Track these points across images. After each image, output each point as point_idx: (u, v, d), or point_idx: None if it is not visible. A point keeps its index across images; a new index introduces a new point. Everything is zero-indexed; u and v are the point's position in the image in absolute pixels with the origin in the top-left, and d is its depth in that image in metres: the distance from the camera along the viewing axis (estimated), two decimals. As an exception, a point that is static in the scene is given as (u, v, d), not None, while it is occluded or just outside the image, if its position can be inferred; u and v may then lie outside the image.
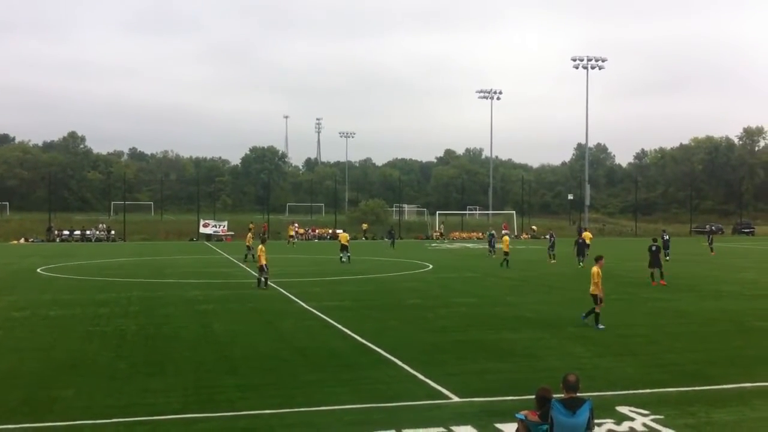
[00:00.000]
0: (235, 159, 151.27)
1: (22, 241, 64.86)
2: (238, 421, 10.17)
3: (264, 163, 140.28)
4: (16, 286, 27.71)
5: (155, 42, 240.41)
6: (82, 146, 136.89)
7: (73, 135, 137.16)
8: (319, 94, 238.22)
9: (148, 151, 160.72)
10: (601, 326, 17.66)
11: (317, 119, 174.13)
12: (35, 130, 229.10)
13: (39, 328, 17.95)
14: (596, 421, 8.61)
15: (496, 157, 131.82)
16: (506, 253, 38.18)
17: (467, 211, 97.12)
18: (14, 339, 16.54)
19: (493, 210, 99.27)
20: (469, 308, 21.56)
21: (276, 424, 10.04)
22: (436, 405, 11.01)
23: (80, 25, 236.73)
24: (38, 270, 34.79)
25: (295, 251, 50.93)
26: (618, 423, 10.09)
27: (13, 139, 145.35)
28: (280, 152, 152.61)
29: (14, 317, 19.78)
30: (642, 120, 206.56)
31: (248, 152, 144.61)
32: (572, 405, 7.50)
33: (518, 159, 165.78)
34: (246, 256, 39.93)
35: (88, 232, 68.51)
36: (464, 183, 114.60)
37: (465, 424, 9.99)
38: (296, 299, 23.41)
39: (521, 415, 8.32)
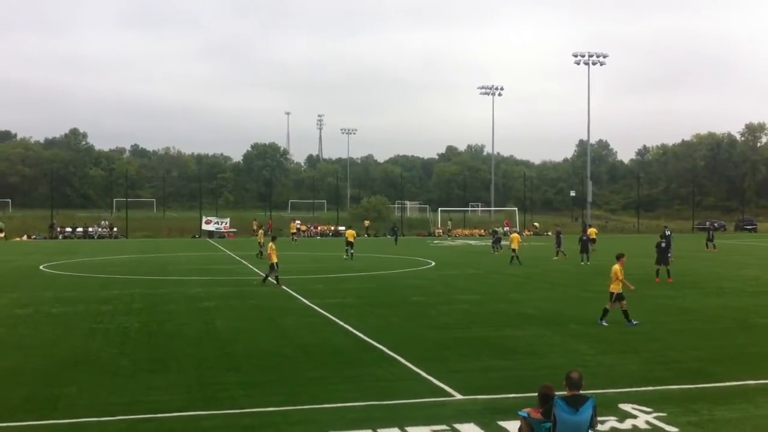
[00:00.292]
0: (236, 156, 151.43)
1: (24, 238, 64.95)
2: (241, 419, 10.18)
3: (266, 159, 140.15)
4: (19, 284, 27.74)
5: (157, 38, 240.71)
6: (84, 143, 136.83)
7: (75, 132, 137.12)
8: (321, 90, 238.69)
9: (149, 148, 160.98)
10: (605, 323, 17.67)
11: (319, 116, 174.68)
12: (37, 126, 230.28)
13: (42, 326, 17.97)
14: (599, 418, 8.64)
15: (498, 153, 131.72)
16: (514, 250, 37.76)
17: (469, 208, 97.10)
18: (17, 336, 16.56)
19: (495, 207, 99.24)
20: (472, 305, 21.57)
21: (279, 422, 10.05)
22: (439, 402, 11.01)
23: (82, 22, 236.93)
24: (41, 267, 34.82)
25: (297, 248, 50.94)
26: (621, 420, 10.08)
27: (15, 135, 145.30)
28: (282, 149, 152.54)
29: (17, 314, 19.80)
30: (644, 116, 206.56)
31: (250, 149, 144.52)
32: (575, 402, 7.51)
33: (520, 155, 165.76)
34: (260, 253, 39.70)
35: (90, 229, 68.54)
36: (466, 179, 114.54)
37: (468, 421, 9.98)
38: (299, 296, 23.43)
39: (524, 412, 8.33)
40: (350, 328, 17.37)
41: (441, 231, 75.94)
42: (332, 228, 74.80)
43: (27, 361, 13.84)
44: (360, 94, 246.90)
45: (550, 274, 31.65)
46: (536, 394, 8.24)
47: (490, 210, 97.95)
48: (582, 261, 36.89)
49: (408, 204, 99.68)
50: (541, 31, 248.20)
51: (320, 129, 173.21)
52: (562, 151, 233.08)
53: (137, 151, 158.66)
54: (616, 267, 18.02)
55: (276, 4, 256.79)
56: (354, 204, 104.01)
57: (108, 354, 14.51)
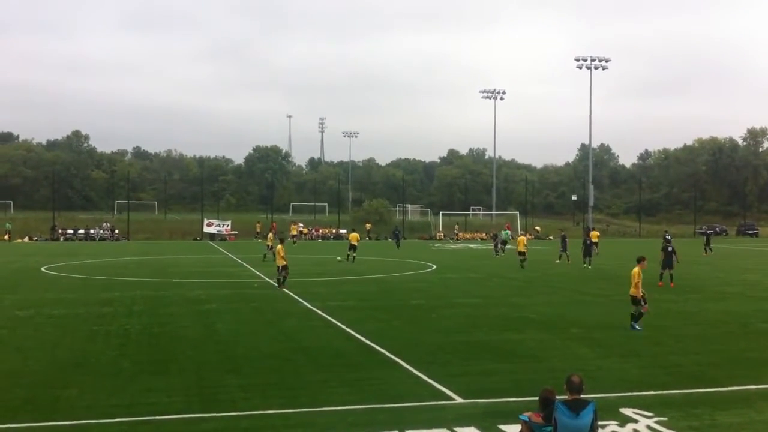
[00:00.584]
0: (238, 158, 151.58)
1: (26, 239, 65.00)
2: (241, 421, 10.17)
3: (268, 162, 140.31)
4: (20, 285, 27.75)
5: (159, 41, 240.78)
6: (85, 145, 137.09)
7: (77, 134, 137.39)
8: (323, 93, 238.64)
9: (151, 150, 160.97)
10: (638, 327, 17.50)
11: (320, 119, 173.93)
12: (39, 128, 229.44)
13: (43, 327, 17.97)
14: (600, 422, 8.60)
15: (500, 157, 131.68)
16: (521, 253, 37.41)
17: (470, 212, 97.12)
18: (18, 338, 16.55)
19: (496, 210, 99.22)
20: (473, 309, 21.54)
21: (279, 425, 10.03)
22: (440, 406, 10.99)
23: (85, 24, 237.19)
24: (42, 269, 34.84)
25: (299, 251, 50.92)
26: (622, 425, 10.06)
27: (17, 137, 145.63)
28: (284, 151, 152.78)
29: (18, 316, 19.81)
30: (646, 121, 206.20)
31: (252, 151, 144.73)
32: (576, 406, 7.48)
33: (521, 159, 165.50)
34: (264, 256, 39.59)
35: (92, 231, 68.61)
36: (467, 183, 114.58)
37: (468, 425, 9.96)
38: (300, 299, 23.41)
39: (525, 416, 8.30)
40: (351, 331, 17.35)
41: (442, 234, 75.90)
42: (333, 231, 74.82)
43: (27, 363, 13.83)
44: (362, 98, 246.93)
45: (551, 278, 31.62)
46: (537, 398, 8.22)
47: (491, 213, 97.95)
48: (584, 264, 36.88)
49: (409, 207, 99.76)
50: (543, 35, 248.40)
51: (322, 132, 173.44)
52: (564, 155, 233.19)
53: (139, 154, 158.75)
54: (636, 270, 17.93)
55: (278, 7, 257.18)
56: (355, 207, 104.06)
57: (108, 356, 14.51)
